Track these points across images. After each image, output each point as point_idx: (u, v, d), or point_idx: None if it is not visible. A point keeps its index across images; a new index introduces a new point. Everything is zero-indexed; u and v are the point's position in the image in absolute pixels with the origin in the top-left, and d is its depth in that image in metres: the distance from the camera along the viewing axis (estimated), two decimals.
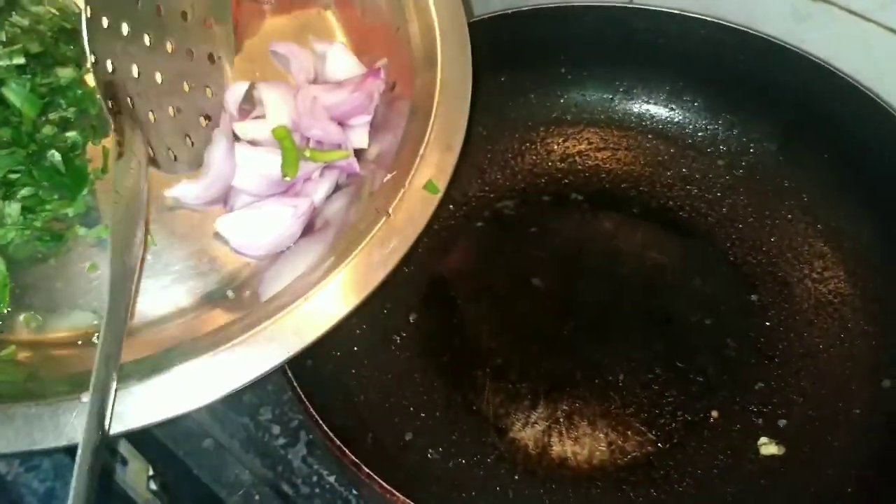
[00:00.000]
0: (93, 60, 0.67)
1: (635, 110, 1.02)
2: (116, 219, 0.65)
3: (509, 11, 0.96)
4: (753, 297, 0.89)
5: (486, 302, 0.91)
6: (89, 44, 0.66)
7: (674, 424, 0.81)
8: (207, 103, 0.78)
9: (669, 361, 0.85)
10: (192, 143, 0.76)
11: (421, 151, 0.71)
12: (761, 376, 0.84)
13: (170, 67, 0.75)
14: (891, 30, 0.89)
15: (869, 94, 0.86)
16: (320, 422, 0.66)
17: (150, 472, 0.90)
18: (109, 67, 0.69)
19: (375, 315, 0.87)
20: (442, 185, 0.70)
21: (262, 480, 0.84)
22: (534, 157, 1.01)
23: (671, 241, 0.94)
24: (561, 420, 0.82)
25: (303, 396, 0.67)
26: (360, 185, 0.77)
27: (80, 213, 0.76)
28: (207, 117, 0.77)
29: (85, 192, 0.76)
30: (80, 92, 0.80)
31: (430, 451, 0.79)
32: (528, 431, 0.81)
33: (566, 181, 0.99)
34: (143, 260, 0.70)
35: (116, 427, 0.59)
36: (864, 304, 0.86)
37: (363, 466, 0.64)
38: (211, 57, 0.80)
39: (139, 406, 0.60)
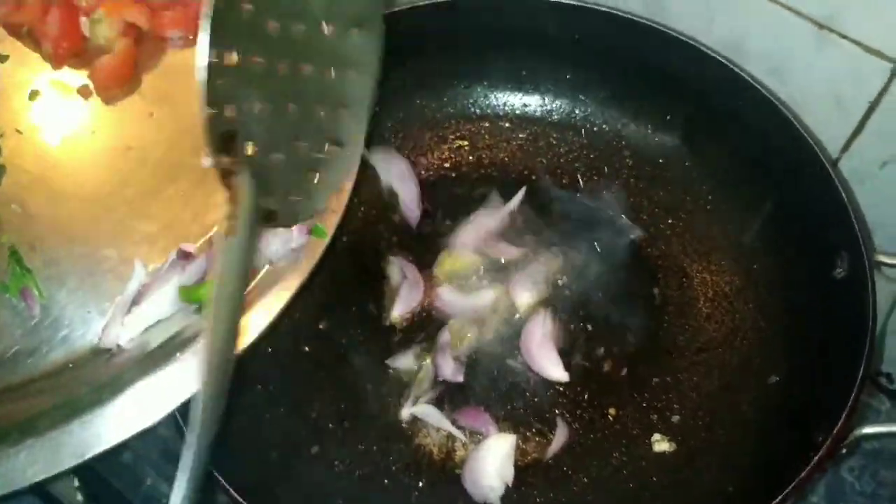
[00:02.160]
0: (209, 113, 0.56)
1: (542, 103, 1.02)
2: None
3: (413, 6, 0.95)
4: (655, 291, 0.92)
5: None
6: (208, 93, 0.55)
7: (574, 424, 0.84)
8: (341, 125, 0.66)
9: (572, 360, 0.88)
10: (318, 179, 0.66)
11: None
12: (658, 371, 0.87)
13: (305, 93, 0.62)
14: (798, 13, 0.90)
15: (764, 93, 0.87)
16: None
17: (76, 484, 0.93)
18: (228, 112, 0.57)
19: (283, 325, 0.89)
20: (330, 229, 0.70)
21: None
22: (443, 153, 1.01)
23: (579, 234, 0.96)
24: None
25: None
26: None
27: None
28: (338, 142, 0.66)
29: None
30: None
31: (336, 462, 0.82)
32: (433, 437, 0.84)
33: (476, 175, 1.00)
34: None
35: (88, 453, 0.62)
36: (757, 297, 0.88)
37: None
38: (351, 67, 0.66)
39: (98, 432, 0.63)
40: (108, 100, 0.84)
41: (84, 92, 0.84)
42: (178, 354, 0.65)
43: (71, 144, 0.82)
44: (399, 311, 0.91)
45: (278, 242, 0.68)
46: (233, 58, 0.56)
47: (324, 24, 0.61)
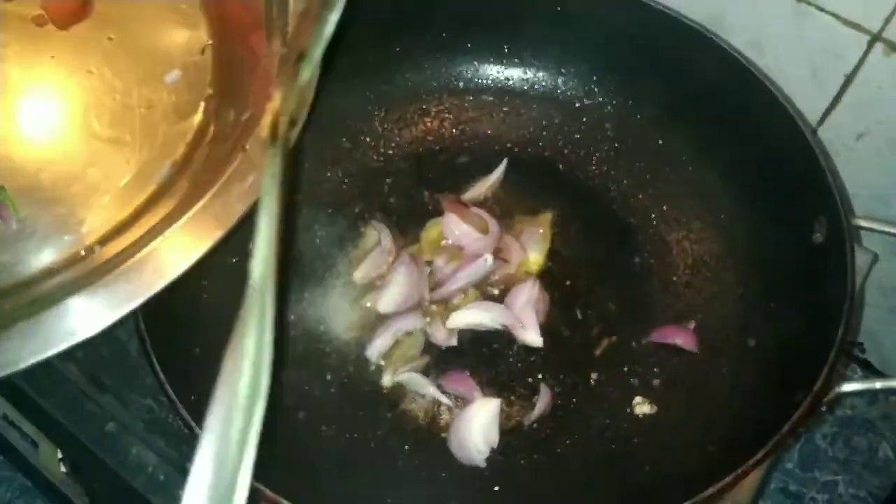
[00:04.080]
0: None
1: (525, 76, 1.03)
2: None
3: None
4: (636, 259, 0.93)
5: None
6: None
7: (557, 389, 0.85)
8: None
9: (555, 327, 0.89)
10: None
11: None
12: (639, 337, 0.88)
13: None
14: None
15: (744, 62, 0.88)
16: (191, 421, 0.68)
17: (60, 455, 0.92)
18: None
19: None
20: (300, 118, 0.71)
21: (166, 461, 0.87)
22: (425, 125, 1.02)
23: (560, 205, 0.97)
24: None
25: (174, 397, 0.69)
26: None
27: None
28: None
29: None
30: None
31: (323, 428, 0.82)
32: (418, 402, 0.85)
33: (459, 148, 1.01)
34: None
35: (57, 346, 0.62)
36: (735, 264, 0.90)
37: None
38: None
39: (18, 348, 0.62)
40: (64, 27, 0.83)
41: (39, 20, 0.83)
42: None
43: (32, 70, 0.82)
44: (362, 272, 0.91)
45: None
46: None
47: None
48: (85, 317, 0.63)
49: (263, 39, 0.79)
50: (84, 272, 0.69)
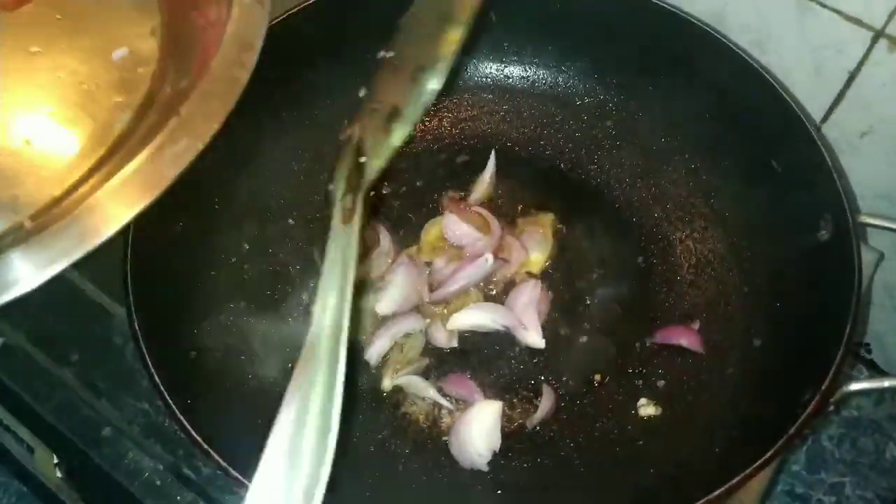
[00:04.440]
0: None
1: (525, 74, 1.02)
2: None
3: None
4: (639, 259, 0.92)
5: None
6: None
7: (560, 391, 0.84)
8: None
9: (557, 328, 0.87)
10: None
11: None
12: (643, 337, 0.87)
13: None
14: None
15: (747, 59, 0.87)
16: (186, 425, 0.67)
17: (55, 460, 0.91)
18: None
19: (269, 292, 0.88)
20: (243, 78, 0.69)
21: (163, 465, 0.86)
22: (424, 124, 1.01)
23: (561, 204, 0.96)
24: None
25: (169, 401, 0.68)
26: None
27: None
28: None
29: None
30: None
31: None
32: (420, 405, 0.84)
33: (458, 147, 1.00)
34: None
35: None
36: (740, 263, 0.89)
37: (230, 470, 0.65)
38: None
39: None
40: (13, 8, 0.82)
41: None
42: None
43: None
44: (361, 273, 0.89)
45: None
46: None
47: None
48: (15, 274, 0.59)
49: (210, 13, 0.77)
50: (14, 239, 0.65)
